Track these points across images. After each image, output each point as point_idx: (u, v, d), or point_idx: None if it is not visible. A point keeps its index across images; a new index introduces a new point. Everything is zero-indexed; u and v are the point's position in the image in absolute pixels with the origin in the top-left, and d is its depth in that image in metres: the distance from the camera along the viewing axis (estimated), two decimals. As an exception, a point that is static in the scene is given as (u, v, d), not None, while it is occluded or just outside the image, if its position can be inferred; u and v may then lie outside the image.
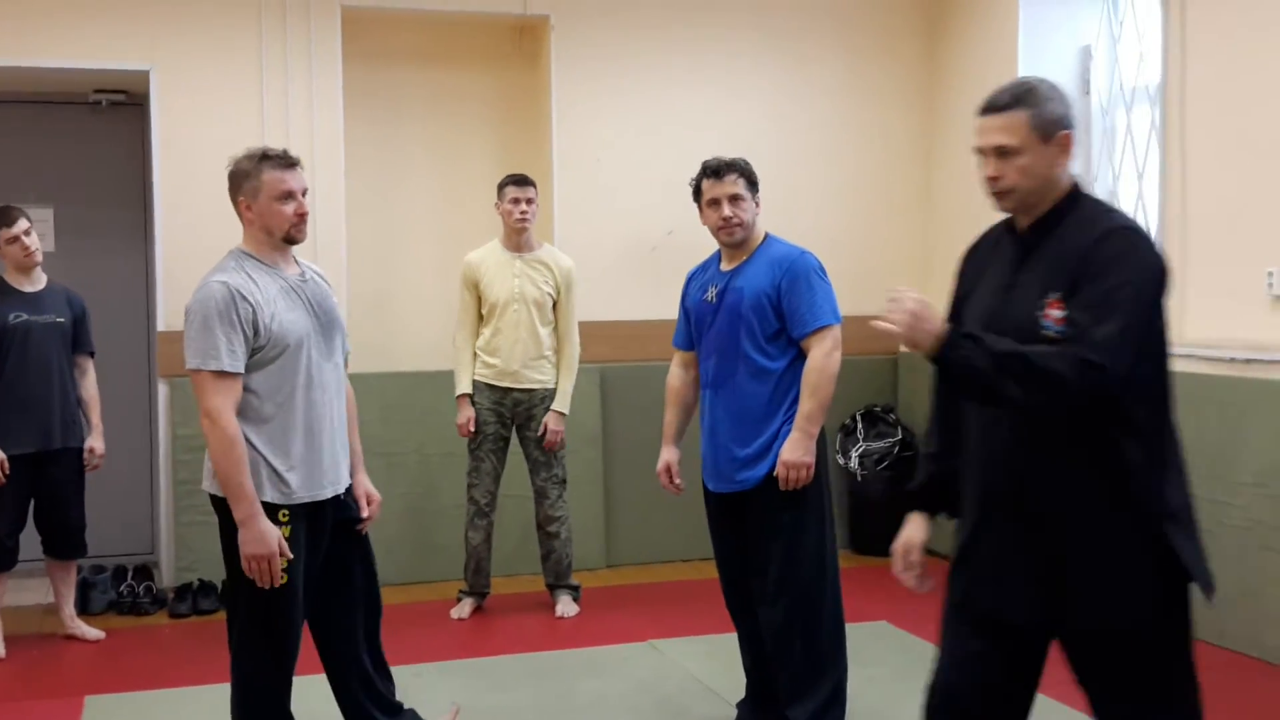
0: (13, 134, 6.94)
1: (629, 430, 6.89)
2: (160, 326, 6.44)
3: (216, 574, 6.23)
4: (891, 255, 7.44)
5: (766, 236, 4.37)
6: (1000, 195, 2.81)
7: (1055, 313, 2.63)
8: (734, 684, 4.69)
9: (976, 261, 2.99)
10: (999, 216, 7.04)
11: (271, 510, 3.56)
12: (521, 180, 6.01)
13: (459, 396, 6.01)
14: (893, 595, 6.14)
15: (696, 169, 4.40)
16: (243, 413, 3.55)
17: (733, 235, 4.31)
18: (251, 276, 3.61)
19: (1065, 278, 2.65)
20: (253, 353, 3.54)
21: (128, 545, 6.97)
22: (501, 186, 6.03)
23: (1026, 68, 6.77)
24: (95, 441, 5.71)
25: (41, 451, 5.54)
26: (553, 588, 6.16)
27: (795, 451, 4.11)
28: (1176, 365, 5.64)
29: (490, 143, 7.13)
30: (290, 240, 3.71)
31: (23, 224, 5.57)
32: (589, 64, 6.98)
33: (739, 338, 4.24)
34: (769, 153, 6.66)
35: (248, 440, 3.55)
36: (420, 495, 6.69)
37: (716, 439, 4.29)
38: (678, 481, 4.51)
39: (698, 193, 4.38)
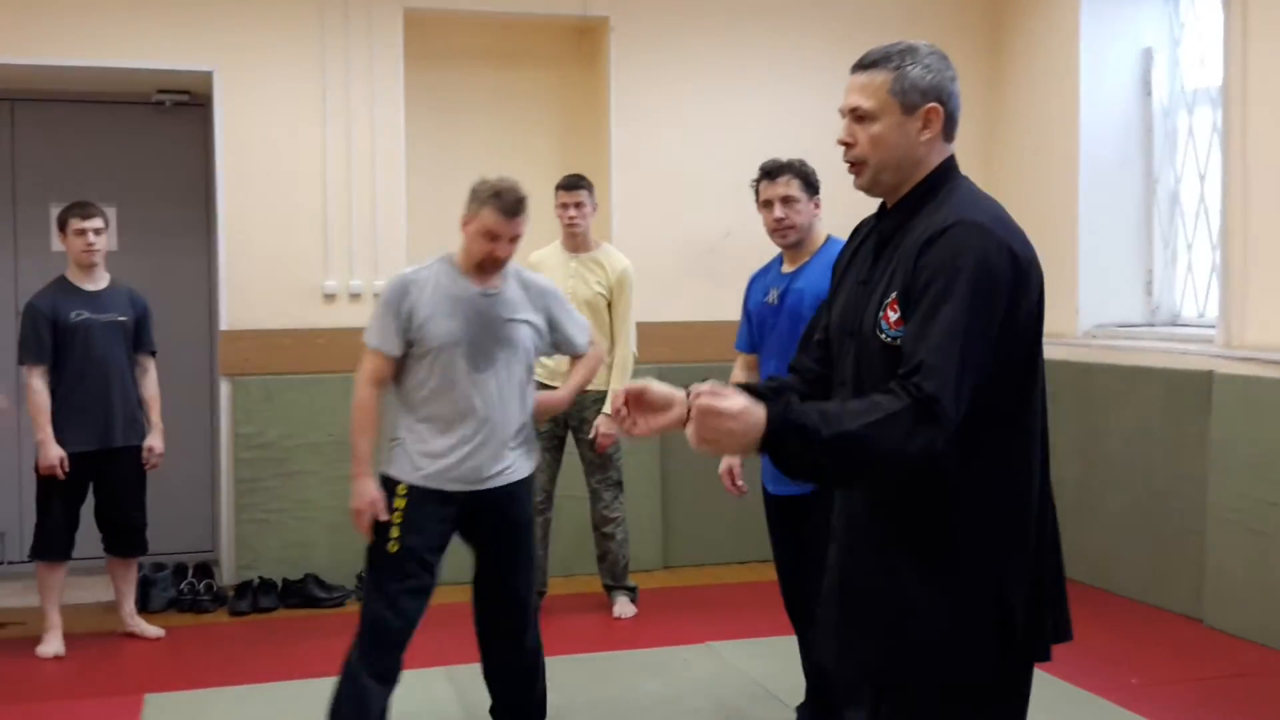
0: (78, 133, 7.03)
1: (686, 432, 6.87)
2: (223, 325, 6.50)
3: (276, 572, 6.31)
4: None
5: (828, 239, 4.33)
6: (853, 167, 2.49)
7: (892, 315, 2.35)
8: (793, 687, 4.67)
9: (851, 250, 2.65)
10: (1068, 223, 6.93)
11: (391, 484, 3.99)
12: (571, 185, 6.02)
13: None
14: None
15: (754, 170, 4.39)
16: (401, 397, 4.04)
17: (785, 237, 4.29)
18: (436, 278, 4.00)
19: (902, 276, 2.35)
20: (410, 344, 3.96)
21: (188, 543, 7.03)
22: (556, 189, 6.05)
23: (1088, 70, 6.73)
24: (155, 440, 5.75)
25: (102, 449, 5.60)
26: (610, 589, 6.16)
27: None
28: (1238, 368, 5.64)
29: (550, 143, 7.16)
30: (480, 270, 4.02)
31: (96, 221, 5.63)
32: (648, 65, 6.99)
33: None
34: (829, 154, 6.57)
35: (400, 420, 4.04)
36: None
37: None
38: (740, 484, 4.49)
39: (757, 194, 4.36)
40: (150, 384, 5.80)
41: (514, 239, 3.98)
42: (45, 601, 5.64)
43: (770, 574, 4.55)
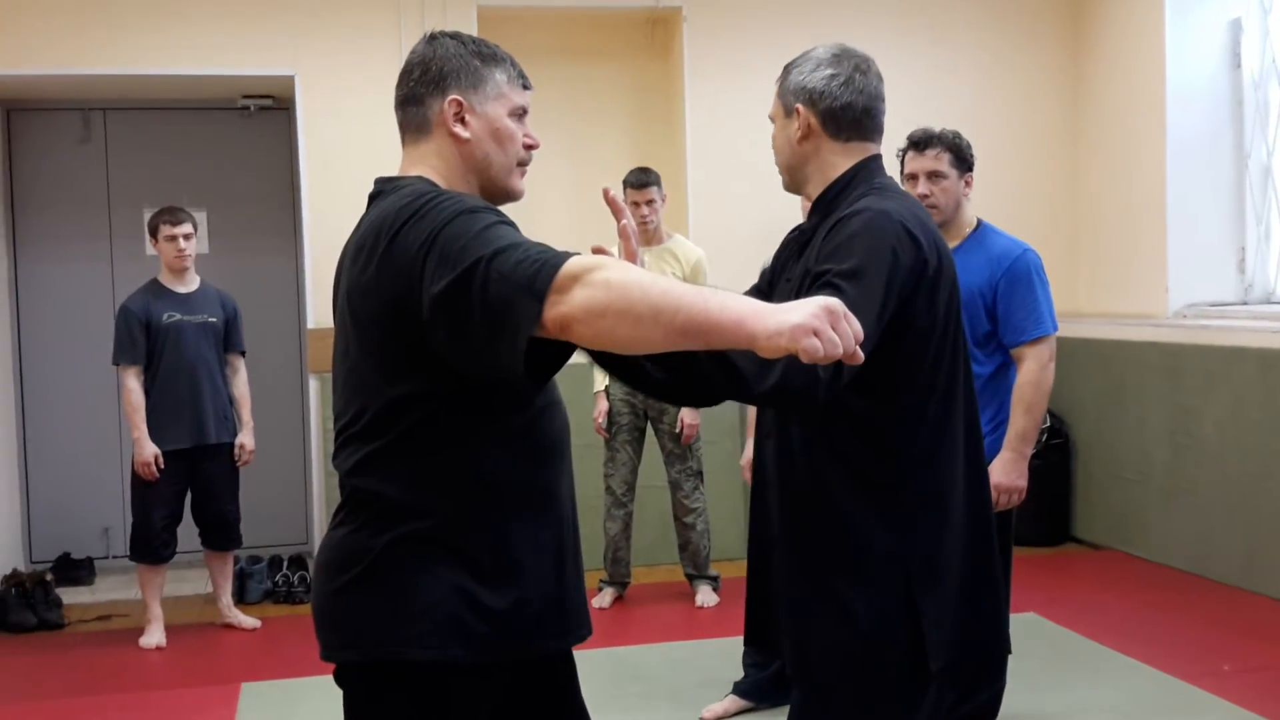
0: (167, 140, 7.21)
1: (768, 420, 6.85)
2: (310, 324, 6.62)
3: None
4: (1040, 241, 7.20)
5: (980, 224, 3.92)
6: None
7: None
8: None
9: (785, 250, 2.67)
10: (1156, 200, 6.67)
11: None
12: (639, 184, 5.96)
13: (596, 392, 6.06)
14: (1041, 585, 6.07)
15: None
16: None
17: None
18: None
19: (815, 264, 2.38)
20: None
21: (283, 536, 7.17)
22: (625, 187, 6.03)
23: (1174, 43, 6.60)
24: (245, 438, 5.90)
25: (196, 447, 5.75)
26: (692, 578, 6.18)
27: (1010, 474, 3.71)
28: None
29: (624, 135, 7.17)
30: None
31: (185, 227, 5.78)
32: (721, 55, 6.98)
33: None
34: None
35: None
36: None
37: None
38: None
39: (902, 166, 3.91)
40: (240, 383, 5.94)
41: None
42: (147, 596, 5.81)
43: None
